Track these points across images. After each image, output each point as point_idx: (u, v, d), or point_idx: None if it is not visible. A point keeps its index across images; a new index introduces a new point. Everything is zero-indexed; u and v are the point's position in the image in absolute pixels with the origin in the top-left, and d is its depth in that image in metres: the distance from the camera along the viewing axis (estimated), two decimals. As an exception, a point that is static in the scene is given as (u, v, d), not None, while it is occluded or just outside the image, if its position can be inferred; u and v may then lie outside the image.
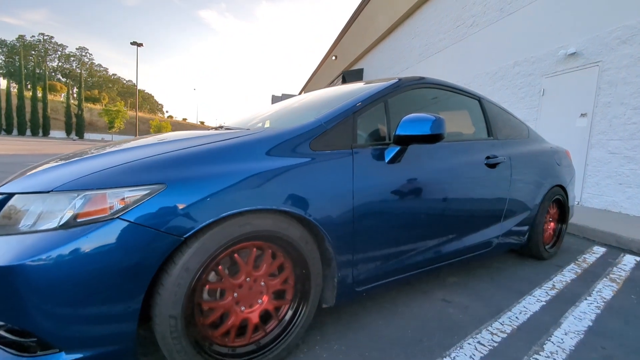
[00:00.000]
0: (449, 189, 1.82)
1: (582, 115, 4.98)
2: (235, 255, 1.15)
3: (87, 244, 0.89)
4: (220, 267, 1.13)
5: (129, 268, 0.93)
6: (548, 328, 1.63)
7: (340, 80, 16.45)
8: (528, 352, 1.43)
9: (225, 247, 1.09)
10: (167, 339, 1.01)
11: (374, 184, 1.46)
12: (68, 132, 41.72)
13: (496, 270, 2.42)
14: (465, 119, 2.29)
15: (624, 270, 2.53)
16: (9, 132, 35.99)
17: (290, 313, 1.31)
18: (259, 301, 1.23)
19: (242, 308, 1.19)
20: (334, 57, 18.61)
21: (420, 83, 1.92)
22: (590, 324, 1.70)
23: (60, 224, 0.92)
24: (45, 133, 39.33)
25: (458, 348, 1.43)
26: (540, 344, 1.50)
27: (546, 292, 2.06)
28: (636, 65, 4.27)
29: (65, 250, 0.88)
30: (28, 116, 37.92)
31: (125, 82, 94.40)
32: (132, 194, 0.97)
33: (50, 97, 42.83)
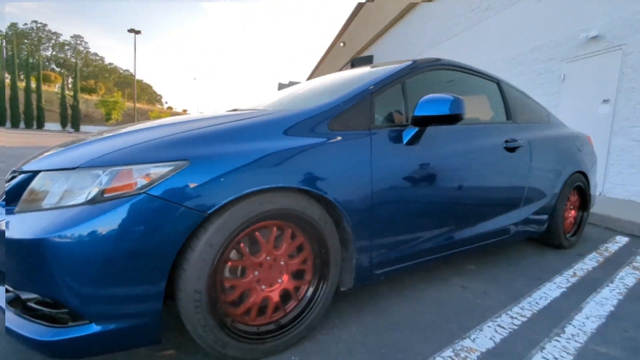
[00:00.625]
0: (468, 173, 1.78)
1: (605, 101, 4.80)
2: (257, 233, 1.17)
3: (115, 217, 0.91)
4: (242, 244, 1.14)
5: (154, 242, 0.95)
6: (569, 312, 1.61)
7: (349, 67, 16.21)
8: (549, 334, 1.41)
9: (247, 225, 1.10)
10: (191, 313, 1.03)
11: (392, 165, 1.45)
12: (63, 125, 38.26)
13: (514, 258, 2.39)
14: (483, 102, 2.24)
15: (648, 258, 2.45)
16: (2, 124, 33.03)
17: (309, 293, 1.33)
18: (279, 280, 1.25)
19: (263, 287, 1.21)
20: (342, 44, 18.22)
21: (436, 64, 1.88)
22: (612, 309, 1.66)
23: (88, 199, 0.94)
24: (40, 125, 36.30)
25: (477, 330, 1.43)
26: (561, 327, 1.47)
27: (567, 279, 2.02)
28: (664, 48, 4.07)
29: (94, 223, 0.90)
30: (22, 107, 34.70)
31: (122, 71, 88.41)
32: (157, 170, 0.98)
33: (44, 87, 38.56)
